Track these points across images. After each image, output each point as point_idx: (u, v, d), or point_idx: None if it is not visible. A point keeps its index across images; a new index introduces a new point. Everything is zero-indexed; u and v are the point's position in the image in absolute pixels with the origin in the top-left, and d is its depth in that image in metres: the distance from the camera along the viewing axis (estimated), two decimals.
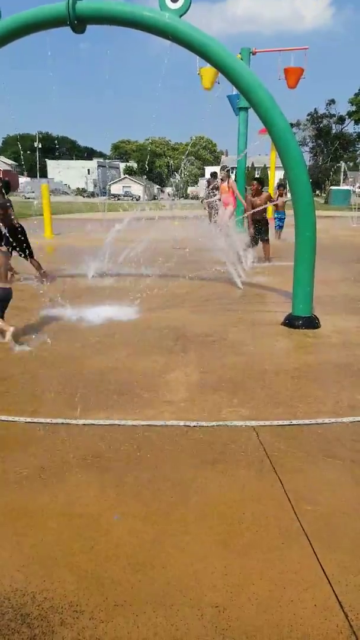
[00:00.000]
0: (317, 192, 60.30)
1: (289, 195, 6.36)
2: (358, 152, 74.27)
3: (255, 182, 10.37)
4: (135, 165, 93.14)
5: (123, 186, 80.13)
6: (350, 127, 69.71)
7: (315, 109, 71.32)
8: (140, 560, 1.90)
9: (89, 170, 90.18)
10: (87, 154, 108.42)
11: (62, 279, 7.60)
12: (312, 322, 5.17)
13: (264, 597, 1.72)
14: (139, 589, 1.76)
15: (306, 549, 1.96)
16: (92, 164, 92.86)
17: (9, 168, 79.75)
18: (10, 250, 5.83)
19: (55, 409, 3.22)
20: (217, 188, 12.35)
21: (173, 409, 3.23)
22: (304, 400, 3.41)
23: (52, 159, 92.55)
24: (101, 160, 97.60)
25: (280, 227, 13.70)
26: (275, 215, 13.76)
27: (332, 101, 70.27)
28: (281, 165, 5.27)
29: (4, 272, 4.68)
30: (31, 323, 5.34)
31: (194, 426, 3.00)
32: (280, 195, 13.91)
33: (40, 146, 75.47)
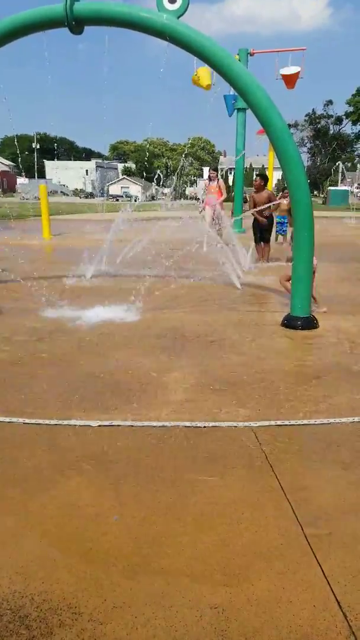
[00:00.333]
0: (316, 192, 60.40)
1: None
2: (356, 153, 74.42)
3: (258, 177, 9.74)
4: (133, 166, 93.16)
5: (121, 187, 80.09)
6: (347, 128, 69.88)
7: (313, 110, 71.53)
8: (139, 562, 1.90)
9: (87, 171, 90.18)
10: (85, 154, 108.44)
11: (60, 279, 7.59)
12: (310, 322, 5.17)
13: (263, 597, 1.72)
14: (138, 590, 1.76)
15: (305, 550, 1.95)
16: (91, 164, 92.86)
17: (7, 169, 79.68)
18: None
19: (53, 410, 3.22)
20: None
21: (172, 410, 3.23)
22: (303, 400, 3.41)
23: (50, 159, 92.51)
24: (99, 160, 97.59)
25: (283, 232, 12.69)
26: (277, 220, 12.67)
27: (330, 102, 70.47)
28: (279, 166, 5.27)
29: None
30: (29, 323, 5.34)
31: (193, 427, 3.00)
32: (284, 197, 13.39)
33: (38, 147, 75.40)
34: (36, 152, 74.07)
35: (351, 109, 62.44)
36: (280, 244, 12.32)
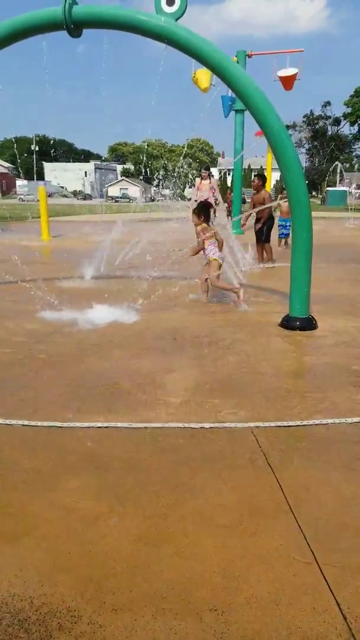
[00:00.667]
0: (314, 193, 60.48)
1: None
2: (354, 153, 74.56)
3: (255, 178, 9.62)
4: (132, 167, 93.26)
5: (120, 188, 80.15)
6: (345, 129, 70.02)
7: (311, 111, 71.71)
8: (138, 564, 1.89)
9: (86, 172, 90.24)
10: (84, 156, 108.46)
11: (59, 281, 7.59)
12: (309, 323, 5.17)
13: (262, 600, 1.71)
14: (138, 593, 1.75)
15: (305, 551, 1.95)
16: (89, 166, 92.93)
17: (5, 171, 79.73)
18: None
19: (52, 412, 3.21)
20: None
21: (171, 411, 3.23)
22: (302, 401, 3.41)
23: (49, 161, 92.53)
24: (98, 162, 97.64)
25: (285, 235, 12.25)
26: (279, 223, 12.36)
27: (328, 103, 70.68)
28: (278, 167, 5.27)
29: None
30: (28, 325, 5.33)
31: (192, 428, 2.99)
32: (283, 199, 13.12)
33: (37, 149, 75.49)
34: (35, 154, 74.15)
35: (349, 110, 62.58)
36: (284, 247, 11.92)
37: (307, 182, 5.67)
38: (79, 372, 3.99)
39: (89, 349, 4.56)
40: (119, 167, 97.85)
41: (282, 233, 12.45)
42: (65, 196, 68.72)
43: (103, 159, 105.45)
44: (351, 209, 28.56)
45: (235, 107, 16.12)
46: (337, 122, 70.07)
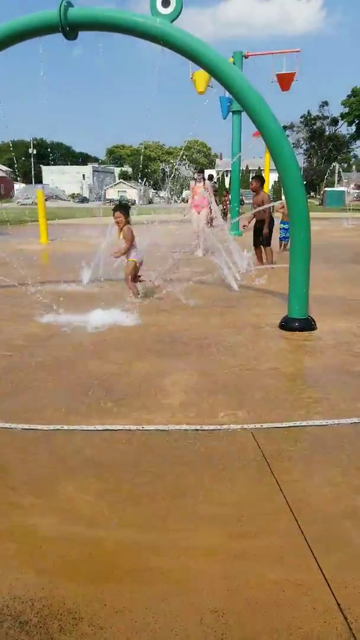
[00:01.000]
0: (312, 193, 60.57)
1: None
2: (352, 154, 74.67)
3: (253, 180, 9.64)
4: (130, 169, 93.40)
5: (118, 191, 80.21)
6: (343, 129, 70.12)
7: (308, 111, 71.84)
8: (138, 566, 1.90)
9: (83, 175, 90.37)
10: (82, 159, 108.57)
11: (58, 284, 7.59)
12: (308, 324, 5.18)
13: (263, 601, 1.72)
14: (138, 594, 1.75)
15: (305, 552, 1.95)
16: (87, 169, 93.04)
17: (3, 174, 79.81)
18: None
19: (52, 415, 3.22)
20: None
21: (170, 413, 3.23)
22: (301, 402, 3.41)
23: (47, 164, 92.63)
24: (96, 165, 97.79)
25: (286, 239, 11.67)
26: (281, 226, 12.06)
27: (325, 103, 70.79)
28: (275, 168, 5.29)
29: None
30: (27, 329, 5.33)
31: (192, 430, 3.00)
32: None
33: (34, 152, 75.67)
34: (32, 158, 74.32)
35: (346, 110, 62.70)
36: (283, 251, 11.62)
37: (305, 182, 5.68)
38: (77, 375, 3.99)
39: (88, 352, 4.57)
40: (117, 170, 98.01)
41: (284, 237, 12.13)
42: (60, 199, 68.62)
43: (100, 161, 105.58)
44: (349, 209, 28.61)
45: (233, 109, 16.15)
46: (334, 122, 70.17)
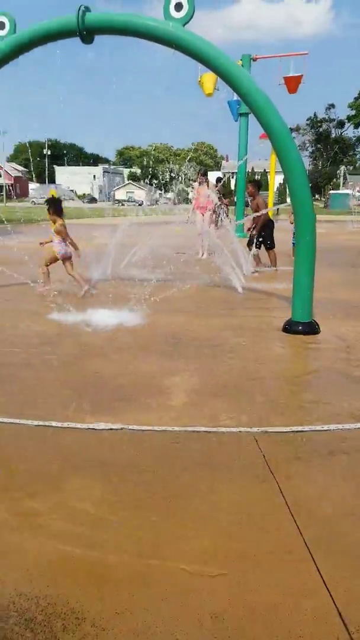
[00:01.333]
0: (317, 196, 60.45)
1: None
2: (358, 156, 74.45)
3: (249, 184, 9.72)
4: (138, 171, 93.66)
5: (127, 192, 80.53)
6: (349, 131, 69.95)
7: (314, 114, 71.69)
8: (139, 569, 1.91)
9: (94, 176, 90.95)
10: (93, 160, 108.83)
11: (67, 283, 7.61)
12: (312, 327, 5.18)
13: (262, 605, 1.72)
14: (139, 596, 1.76)
15: (305, 557, 1.96)
16: (98, 170, 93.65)
17: (19, 174, 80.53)
18: None
19: (56, 413, 3.23)
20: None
21: (173, 415, 3.24)
22: (304, 406, 3.42)
23: (61, 165, 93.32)
24: (106, 166, 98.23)
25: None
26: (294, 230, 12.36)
27: (332, 106, 70.61)
28: (281, 170, 5.30)
29: None
30: (36, 326, 5.36)
31: (194, 432, 3.01)
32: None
33: (49, 153, 76.25)
34: (47, 158, 74.86)
35: (353, 112, 62.52)
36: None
37: (310, 185, 5.69)
38: (84, 373, 4.01)
39: (94, 351, 4.59)
40: (126, 171, 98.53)
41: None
42: (73, 199, 68.83)
43: (111, 162, 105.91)
44: (355, 212, 28.55)
45: (240, 111, 16.17)
46: (341, 124, 70.02)
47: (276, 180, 21.83)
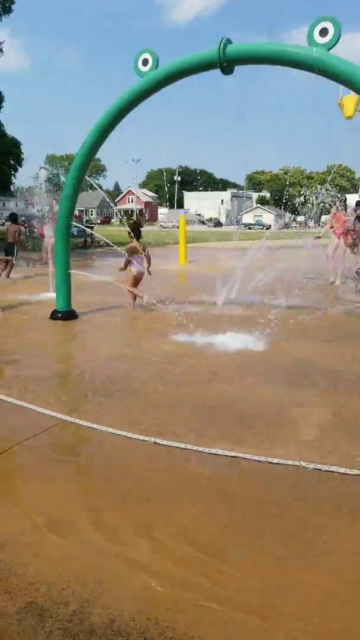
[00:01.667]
0: None
1: None
2: None
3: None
4: (268, 194, 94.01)
5: (254, 215, 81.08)
6: None
7: None
8: (255, 608, 1.81)
9: (222, 200, 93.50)
10: (222, 185, 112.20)
11: (193, 304, 7.85)
12: None
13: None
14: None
15: None
16: (226, 194, 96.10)
17: (149, 199, 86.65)
18: None
19: (177, 435, 3.26)
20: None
21: (301, 448, 3.07)
22: None
23: (189, 191, 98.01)
24: (234, 190, 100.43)
25: None
26: None
27: None
28: None
29: None
30: (163, 346, 5.58)
31: (326, 471, 2.80)
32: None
33: (179, 179, 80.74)
34: (177, 184, 79.50)
35: None
36: None
37: None
38: (206, 395, 4.03)
39: (217, 373, 4.60)
40: (255, 195, 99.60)
41: None
42: (203, 223, 71.46)
43: (240, 187, 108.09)
44: None
45: None
46: None
47: None
